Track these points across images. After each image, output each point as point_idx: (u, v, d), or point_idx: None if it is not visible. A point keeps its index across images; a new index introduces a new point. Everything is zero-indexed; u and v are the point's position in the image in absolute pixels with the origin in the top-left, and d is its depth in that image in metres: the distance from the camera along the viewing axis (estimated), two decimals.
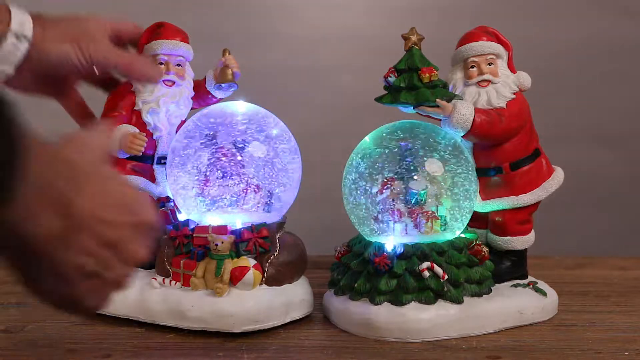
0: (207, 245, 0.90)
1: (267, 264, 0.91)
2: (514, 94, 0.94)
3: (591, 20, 1.74)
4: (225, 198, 0.93)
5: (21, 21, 0.83)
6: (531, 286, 0.96)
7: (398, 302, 0.88)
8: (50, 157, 0.56)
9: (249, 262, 0.90)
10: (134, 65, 0.91)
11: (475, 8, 1.72)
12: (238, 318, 0.87)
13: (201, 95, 0.99)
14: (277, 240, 0.93)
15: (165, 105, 0.95)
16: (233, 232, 0.91)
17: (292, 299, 0.92)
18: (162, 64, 0.95)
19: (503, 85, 0.94)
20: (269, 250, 0.92)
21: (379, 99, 0.95)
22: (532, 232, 0.98)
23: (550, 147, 1.00)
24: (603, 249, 1.58)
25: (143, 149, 0.93)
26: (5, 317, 0.96)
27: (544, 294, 0.95)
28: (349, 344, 0.87)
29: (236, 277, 0.89)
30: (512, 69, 0.95)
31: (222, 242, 0.89)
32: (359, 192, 0.92)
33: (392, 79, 0.93)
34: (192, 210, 0.94)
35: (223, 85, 0.98)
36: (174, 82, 0.95)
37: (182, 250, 0.92)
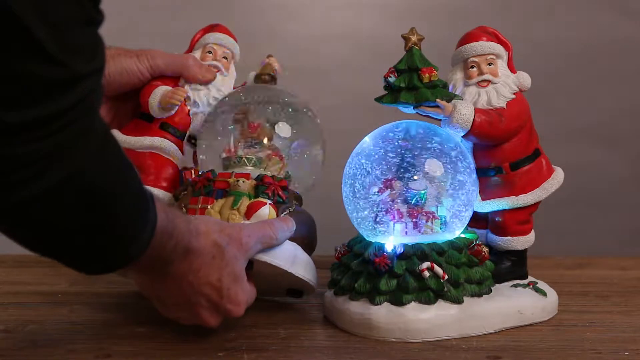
0: (228, 189, 0.91)
1: (281, 215, 0.92)
2: (514, 94, 0.94)
3: (591, 20, 1.75)
4: (250, 158, 0.95)
5: None
6: (531, 286, 0.96)
7: (398, 302, 0.88)
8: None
9: (266, 201, 0.91)
10: (189, 66, 0.98)
11: (476, 8, 1.73)
12: None
13: None
14: (294, 204, 0.94)
15: (207, 85, 0.99)
16: (255, 178, 0.92)
17: (299, 255, 0.92)
18: (210, 52, 1.01)
19: (503, 86, 0.94)
20: (285, 203, 0.93)
21: (379, 99, 0.95)
22: (532, 232, 0.98)
23: (550, 147, 1.00)
24: (603, 249, 1.58)
25: (182, 100, 0.96)
26: (5, 317, 0.96)
27: (544, 294, 0.95)
28: (349, 344, 0.87)
29: (252, 210, 0.89)
30: (512, 69, 0.95)
31: (244, 182, 0.91)
32: (359, 192, 0.92)
33: (392, 79, 0.93)
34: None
35: (263, 76, 1.02)
36: (219, 69, 1.01)
37: (202, 192, 0.92)
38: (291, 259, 0.90)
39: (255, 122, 0.97)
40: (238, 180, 0.91)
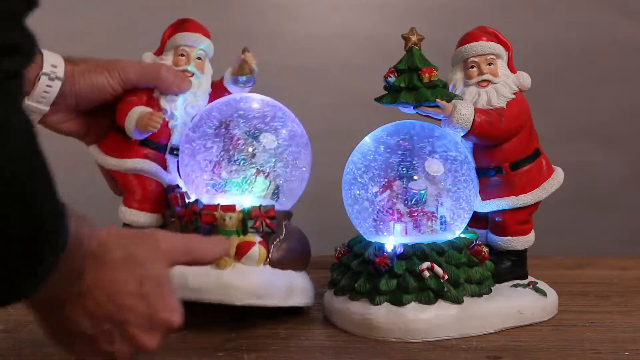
0: (215, 223, 0.90)
1: (272, 246, 0.91)
2: (514, 94, 0.94)
3: (591, 20, 1.74)
4: (234, 181, 0.93)
5: (53, 63, 0.90)
6: (531, 286, 0.96)
7: (398, 302, 0.88)
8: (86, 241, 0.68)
9: (256, 238, 0.90)
10: (162, 76, 0.95)
11: (476, 8, 1.73)
12: (241, 291, 0.86)
13: (218, 94, 1.01)
14: (284, 226, 0.93)
15: (183, 94, 0.97)
16: (241, 211, 0.91)
17: (294, 284, 0.92)
18: (183, 55, 0.97)
19: (503, 86, 0.94)
20: (275, 232, 0.92)
21: (379, 99, 0.95)
22: (532, 232, 0.98)
23: (550, 147, 1.00)
24: (603, 249, 1.58)
25: (159, 126, 0.93)
26: (5, 317, 0.96)
27: (544, 294, 0.95)
28: (349, 344, 0.87)
29: (241, 252, 0.89)
30: (512, 69, 0.95)
31: (230, 218, 0.89)
32: (358, 192, 0.92)
33: (392, 79, 0.93)
34: (202, 195, 0.95)
35: (240, 78, 0.99)
36: (193, 74, 0.97)
37: (190, 228, 0.91)
38: (285, 292, 0.91)
39: (237, 137, 0.95)
40: (225, 218, 0.90)
